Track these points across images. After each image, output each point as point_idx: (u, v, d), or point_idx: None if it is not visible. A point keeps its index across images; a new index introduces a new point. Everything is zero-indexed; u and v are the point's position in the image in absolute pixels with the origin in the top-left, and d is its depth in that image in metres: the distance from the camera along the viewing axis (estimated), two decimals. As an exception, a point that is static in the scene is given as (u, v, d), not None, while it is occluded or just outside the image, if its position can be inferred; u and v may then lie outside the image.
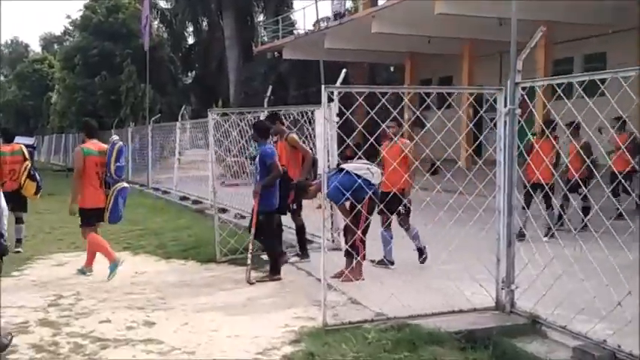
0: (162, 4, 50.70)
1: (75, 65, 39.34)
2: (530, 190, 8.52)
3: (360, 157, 8.38)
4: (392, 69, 44.39)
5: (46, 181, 21.10)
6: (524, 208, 8.91)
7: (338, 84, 9.23)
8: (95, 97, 38.01)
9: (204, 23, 50.57)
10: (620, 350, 5.48)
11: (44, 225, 14.76)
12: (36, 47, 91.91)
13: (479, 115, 7.24)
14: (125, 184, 9.94)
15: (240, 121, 12.68)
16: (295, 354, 6.01)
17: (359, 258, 8.27)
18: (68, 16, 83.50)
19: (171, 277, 9.58)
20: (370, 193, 8.09)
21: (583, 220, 10.27)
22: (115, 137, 10.17)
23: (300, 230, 10.21)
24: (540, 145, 8.87)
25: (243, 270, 9.38)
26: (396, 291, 7.02)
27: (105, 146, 9.81)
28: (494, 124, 6.88)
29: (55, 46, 73.82)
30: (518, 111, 6.59)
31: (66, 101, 39.94)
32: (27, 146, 11.89)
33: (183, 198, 19.66)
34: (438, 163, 7.15)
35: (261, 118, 11.58)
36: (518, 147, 6.69)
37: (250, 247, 9.20)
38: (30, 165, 11.09)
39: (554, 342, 6.08)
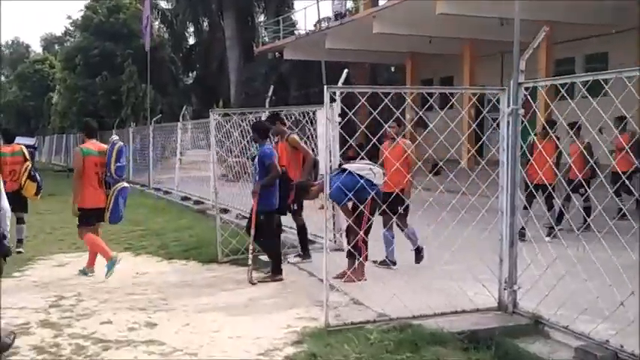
0: (163, 5, 50.80)
1: (76, 65, 39.35)
2: (533, 191, 8.51)
3: (362, 158, 8.36)
4: (393, 69, 44.40)
5: (47, 182, 21.08)
6: (525, 208, 8.91)
7: (340, 84, 9.21)
8: (96, 97, 38.02)
9: (205, 24, 50.60)
10: (623, 350, 5.47)
11: (45, 225, 14.75)
12: (37, 48, 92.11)
13: (482, 115, 7.21)
14: (125, 184, 9.94)
15: (242, 121, 12.66)
16: (297, 355, 6.00)
17: (361, 259, 8.26)
18: (69, 17, 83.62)
19: (172, 278, 9.57)
20: (373, 193, 8.06)
21: (585, 221, 10.28)
22: (115, 137, 10.17)
23: (302, 230, 10.20)
24: (542, 146, 8.86)
25: (244, 270, 9.37)
26: (399, 291, 7.00)
27: (104, 146, 9.82)
28: (497, 125, 6.86)
29: (56, 47, 73.82)
30: (522, 111, 6.58)
31: (67, 101, 39.93)
32: (28, 147, 11.87)
33: (185, 198, 19.65)
34: (441, 164, 7.11)
35: (263, 118, 11.56)
36: (521, 147, 6.68)
37: (251, 247, 9.19)
38: (30, 166, 11.09)
39: (557, 342, 6.07)
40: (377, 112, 6.90)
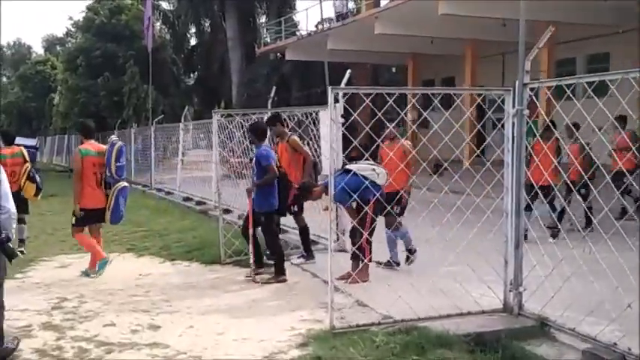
0: (165, 6, 50.67)
1: (77, 66, 39.35)
2: (539, 192, 8.44)
3: (367, 159, 8.34)
4: (394, 70, 44.38)
5: (49, 182, 21.11)
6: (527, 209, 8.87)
7: (343, 85, 9.19)
8: (98, 98, 38.02)
9: (207, 24, 50.50)
10: (630, 353, 5.42)
11: (47, 226, 14.73)
12: (38, 49, 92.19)
13: (486, 116, 7.17)
14: (125, 184, 9.97)
15: (245, 122, 12.63)
16: (303, 358, 5.96)
17: (366, 260, 8.22)
18: (70, 18, 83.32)
19: (175, 279, 9.53)
20: (377, 194, 8.02)
21: (587, 221, 10.24)
22: (114, 137, 10.19)
23: (304, 231, 10.17)
24: (536, 147, 8.82)
25: (247, 271, 9.35)
26: (403, 293, 6.95)
27: (103, 147, 9.87)
28: (502, 125, 6.82)
29: (58, 48, 73.87)
30: (527, 112, 6.54)
31: (68, 102, 39.91)
32: (30, 147, 11.86)
33: (187, 199, 19.61)
34: (446, 165, 7.07)
35: (265, 119, 11.54)
36: (527, 148, 6.64)
37: (251, 247, 9.16)
38: (29, 167, 11.08)
39: (564, 344, 6.03)
40: (382, 112, 6.87)
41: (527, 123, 6.57)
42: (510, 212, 6.73)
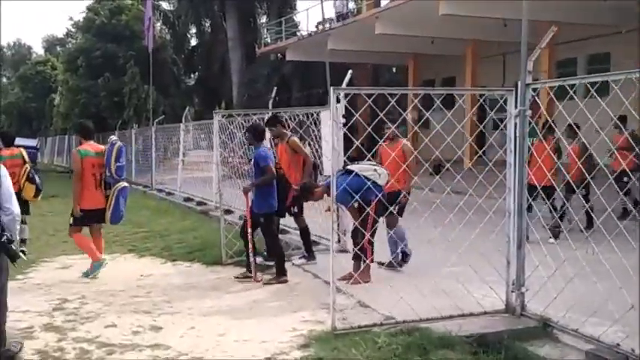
0: (165, 6, 50.64)
1: (78, 67, 39.36)
2: (542, 193, 8.44)
3: (369, 159, 8.33)
4: (394, 70, 44.36)
5: (50, 183, 21.09)
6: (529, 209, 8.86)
7: (344, 85, 9.17)
8: (98, 98, 38.02)
9: (207, 25, 50.47)
10: (634, 354, 5.40)
11: (48, 227, 14.71)
12: (39, 49, 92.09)
13: (489, 117, 7.15)
14: (125, 184, 9.97)
15: (246, 122, 12.61)
16: (304, 359, 5.95)
17: (368, 261, 8.20)
18: (71, 18, 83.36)
19: (177, 280, 9.52)
20: (379, 195, 8.01)
21: (587, 221, 10.22)
22: (114, 137, 10.20)
23: (304, 232, 10.16)
24: (539, 147, 8.81)
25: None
26: (405, 294, 6.93)
27: (102, 147, 9.88)
28: (505, 126, 6.81)
29: (58, 48, 73.85)
30: (529, 112, 6.53)
31: (69, 103, 39.93)
32: (30, 148, 11.84)
33: (188, 199, 19.60)
34: (448, 165, 7.05)
35: (265, 120, 11.53)
36: (529, 149, 6.63)
37: (250, 246, 9.17)
38: (29, 168, 11.05)
39: (566, 345, 6.01)
40: (384, 113, 6.86)
41: (530, 123, 6.56)
42: (513, 212, 6.72)
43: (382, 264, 9.12)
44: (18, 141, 11.81)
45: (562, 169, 8.02)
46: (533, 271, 6.68)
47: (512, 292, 6.78)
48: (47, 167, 44.90)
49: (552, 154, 8.67)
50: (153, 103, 32.40)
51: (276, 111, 11.93)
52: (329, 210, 7.88)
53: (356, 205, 8.24)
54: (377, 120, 7.16)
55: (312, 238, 10.35)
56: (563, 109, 6.53)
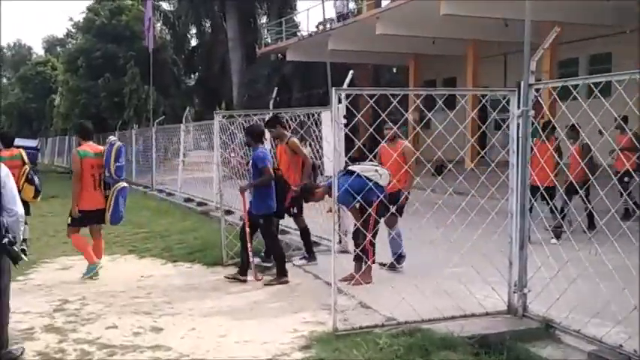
0: (165, 6, 50.64)
1: (78, 67, 39.39)
2: (545, 193, 8.44)
3: (371, 160, 8.31)
4: (395, 70, 44.34)
5: (50, 184, 21.09)
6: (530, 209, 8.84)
7: (345, 85, 9.16)
8: (98, 99, 38.05)
9: (208, 25, 50.44)
10: (637, 355, 5.37)
11: (48, 228, 14.68)
12: (39, 50, 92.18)
13: (492, 117, 7.14)
14: (125, 184, 9.96)
15: (246, 123, 12.60)
16: (306, 360, 5.93)
17: (369, 262, 8.18)
18: (71, 19, 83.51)
19: (177, 281, 9.50)
20: (381, 196, 7.99)
21: (589, 222, 10.20)
22: (113, 138, 10.18)
23: (304, 233, 10.13)
24: (542, 147, 8.79)
25: (249, 273, 9.32)
26: (407, 294, 6.92)
27: (101, 148, 9.88)
28: (507, 126, 6.78)
29: (58, 49, 73.92)
30: (532, 113, 6.50)
31: (69, 103, 39.96)
32: (31, 149, 11.82)
33: (188, 200, 19.57)
34: (450, 166, 7.03)
35: (265, 120, 11.51)
36: (532, 150, 6.61)
37: (250, 246, 9.15)
38: (28, 169, 11.02)
39: (569, 346, 5.99)
40: (386, 113, 6.84)
41: (533, 124, 6.54)
42: (515, 213, 6.69)
43: (383, 265, 9.09)
44: (17, 141, 11.78)
45: (565, 169, 7.99)
46: (536, 272, 6.65)
47: (515, 292, 6.75)
48: (47, 168, 44.91)
49: (556, 155, 8.64)
50: (153, 104, 32.41)
51: (277, 111, 11.91)
52: (330, 211, 7.86)
53: (357, 205, 8.21)
54: (379, 120, 7.14)
55: (313, 238, 10.33)
56: (566, 110, 6.51)
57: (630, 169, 9.85)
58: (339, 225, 10.43)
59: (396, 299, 6.84)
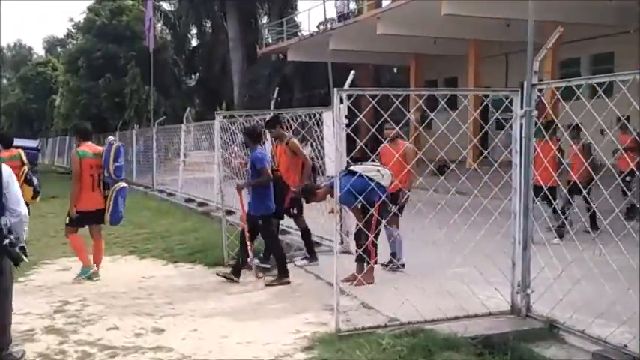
0: (166, 7, 50.69)
1: (79, 68, 39.38)
2: (548, 194, 8.39)
3: (373, 160, 8.29)
4: (395, 70, 44.34)
5: (50, 184, 21.06)
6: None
7: (346, 86, 9.12)
8: (99, 99, 38.04)
9: (208, 25, 50.49)
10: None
11: (49, 229, 14.63)
12: (39, 50, 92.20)
13: (494, 117, 7.11)
14: (124, 184, 9.92)
15: (247, 123, 12.57)
16: (309, 361, 5.90)
17: (372, 263, 8.14)
18: (71, 19, 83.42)
19: (178, 282, 9.46)
20: (384, 196, 7.96)
21: (591, 222, 10.18)
22: (112, 138, 10.17)
23: (305, 233, 10.11)
24: (545, 147, 8.76)
25: (250, 273, 9.31)
26: (410, 295, 6.90)
27: (99, 148, 9.86)
28: (510, 126, 6.76)
29: (59, 49, 73.93)
30: (535, 113, 6.47)
31: (70, 104, 39.95)
32: (31, 149, 11.81)
33: (189, 200, 19.52)
34: (453, 166, 6.99)
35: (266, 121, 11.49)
36: (535, 150, 6.58)
37: (249, 245, 9.15)
38: (27, 170, 11.01)
39: (573, 347, 5.97)
40: (388, 114, 6.81)
41: (535, 124, 6.51)
42: (518, 213, 6.66)
43: (386, 265, 9.07)
44: (17, 142, 11.77)
45: (569, 169, 7.96)
46: (539, 272, 6.62)
47: (518, 293, 6.73)
48: (48, 168, 44.88)
49: (558, 155, 8.60)
50: (154, 104, 32.38)
51: (279, 112, 11.88)
52: (333, 212, 7.83)
53: (359, 206, 8.19)
54: (381, 121, 7.12)
55: (314, 239, 10.31)
56: (569, 110, 6.48)
57: (635, 170, 9.82)
58: (341, 225, 10.41)
59: (398, 299, 6.81)
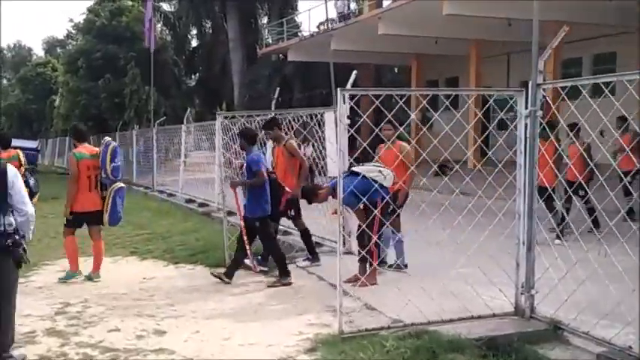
0: (166, 7, 50.65)
1: (78, 68, 39.37)
2: (552, 194, 8.37)
3: (375, 160, 8.25)
4: (396, 70, 44.29)
5: (50, 185, 21.01)
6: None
7: (349, 86, 9.08)
8: (99, 100, 38.02)
9: (208, 26, 50.44)
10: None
11: (49, 229, 14.56)
12: (39, 51, 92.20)
13: (498, 117, 7.07)
14: (122, 184, 9.89)
15: (248, 123, 12.53)
16: (312, 363, 5.86)
17: (375, 264, 8.10)
18: (71, 20, 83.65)
19: (180, 283, 9.43)
20: (387, 197, 7.92)
21: (594, 223, 10.13)
22: (108, 138, 10.15)
23: (305, 234, 10.06)
24: (549, 148, 8.73)
25: (251, 274, 9.28)
26: (413, 296, 6.84)
27: (96, 149, 9.85)
28: (515, 126, 6.72)
29: (58, 50, 73.95)
30: (540, 113, 6.43)
31: (70, 104, 39.94)
32: (31, 149, 11.79)
33: (189, 201, 19.47)
34: (457, 167, 6.95)
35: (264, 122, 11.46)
36: (540, 150, 6.54)
37: (248, 246, 9.13)
38: (24, 170, 10.97)
39: (577, 348, 5.93)
40: (392, 114, 6.78)
41: (540, 124, 6.47)
42: (522, 214, 6.62)
43: (390, 266, 9.03)
44: (15, 142, 11.75)
45: (574, 169, 7.92)
46: (544, 273, 6.58)
47: (522, 294, 6.69)
48: (48, 169, 44.85)
49: (563, 155, 8.57)
50: (154, 105, 32.33)
51: (280, 112, 11.84)
52: (335, 213, 7.79)
53: (362, 206, 8.14)
54: (385, 120, 7.08)
55: (315, 239, 10.26)
56: (568, 110, 6.44)
57: (638, 169, 9.79)
58: (344, 226, 10.36)
59: (402, 301, 6.76)
